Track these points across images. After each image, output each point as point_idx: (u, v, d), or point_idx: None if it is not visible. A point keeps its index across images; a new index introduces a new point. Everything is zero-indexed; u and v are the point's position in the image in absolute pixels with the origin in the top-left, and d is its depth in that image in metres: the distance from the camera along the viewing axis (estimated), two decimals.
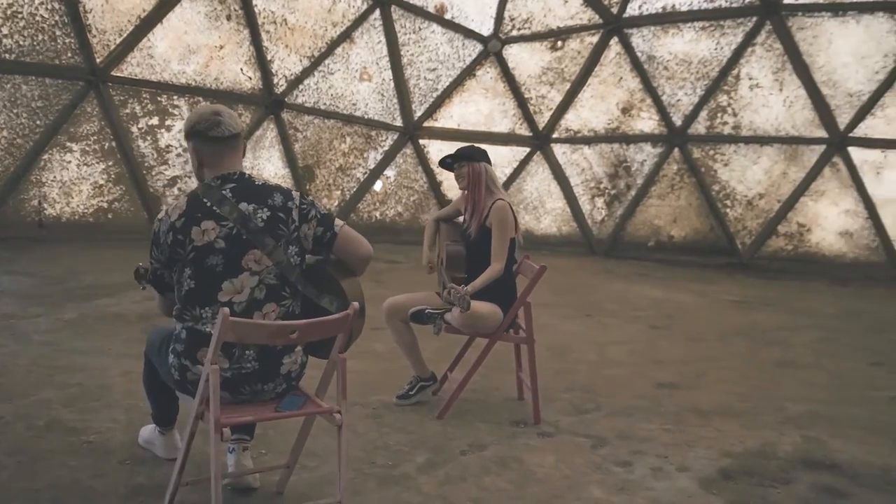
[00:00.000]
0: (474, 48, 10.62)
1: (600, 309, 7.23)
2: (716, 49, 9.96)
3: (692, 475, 3.44)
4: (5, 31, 8.31)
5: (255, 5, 9.42)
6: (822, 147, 9.71)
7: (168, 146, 9.45)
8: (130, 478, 3.17)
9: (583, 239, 11.03)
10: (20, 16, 8.37)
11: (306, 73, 9.95)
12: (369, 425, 3.88)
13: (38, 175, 8.82)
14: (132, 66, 9.05)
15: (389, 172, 10.92)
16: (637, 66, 10.31)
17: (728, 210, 10.37)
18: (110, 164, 9.17)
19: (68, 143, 8.90)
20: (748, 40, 9.73)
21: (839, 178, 9.76)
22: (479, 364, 4.10)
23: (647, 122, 10.60)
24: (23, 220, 8.82)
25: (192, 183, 9.55)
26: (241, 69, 9.63)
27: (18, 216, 8.80)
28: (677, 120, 10.33)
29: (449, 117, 10.89)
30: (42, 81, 8.66)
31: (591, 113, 10.80)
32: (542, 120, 10.92)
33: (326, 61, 10.04)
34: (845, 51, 9.35)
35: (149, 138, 9.36)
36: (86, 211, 9.17)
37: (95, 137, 9.03)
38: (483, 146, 4.52)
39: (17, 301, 6.06)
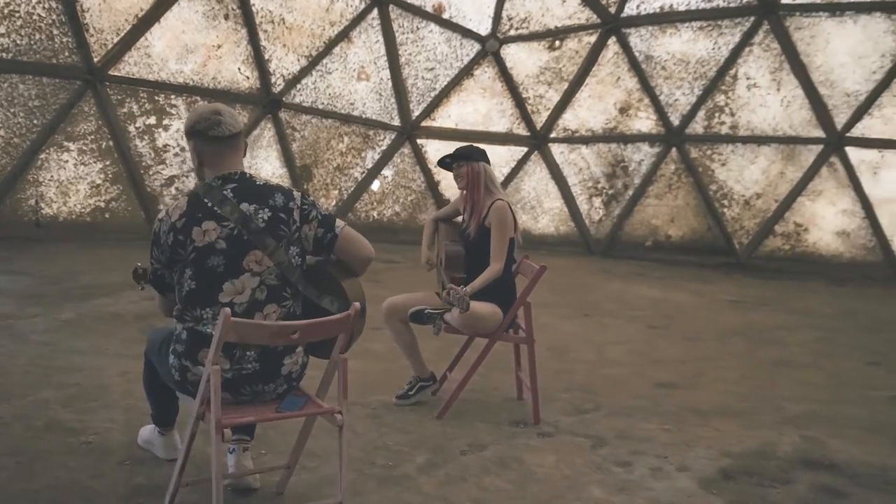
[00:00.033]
0: (472, 48, 10.61)
1: (598, 309, 7.23)
2: (713, 49, 9.96)
3: (692, 475, 3.45)
4: (2, 29, 8.29)
5: (253, 4, 9.39)
6: (820, 147, 9.72)
7: (165, 145, 9.43)
8: (130, 478, 3.16)
9: (580, 239, 11.03)
10: (17, 15, 8.35)
11: (304, 72, 9.94)
12: (369, 425, 3.87)
13: (35, 174, 8.80)
14: (129, 66, 9.03)
15: (387, 172, 10.91)
16: (635, 65, 10.31)
17: (725, 210, 10.38)
18: (107, 163, 9.15)
19: (65, 143, 8.87)
20: (746, 40, 9.73)
21: (836, 178, 9.77)
22: (478, 364, 4.10)
23: (644, 121, 10.60)
24: (20, 220, 8.79)
25: (190, 182, 9.54)
26: (239, 68, 9.61)
27: (15, 216, 8.78)
28: (675, 120, 10.33)
29: (447, 117, 10.87)
30: (39, 80, 8.63)
31: (588, 113, 10.79)
32: (540, 119, 10.91)
33: (324, 61, 10.02)
34: (843, 51, 9.36)
35: (146, 138, 9.34)
36: (83, 210, 9.15)
37: (93, 137, 9.00)
38: (481, 146, 4.51)
39: (14, 301, 6.05)
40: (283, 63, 9.83)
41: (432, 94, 10.69)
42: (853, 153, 9.59)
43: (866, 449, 3.83)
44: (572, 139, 10.96)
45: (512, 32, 10.61)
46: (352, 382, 2.81)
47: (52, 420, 3.70)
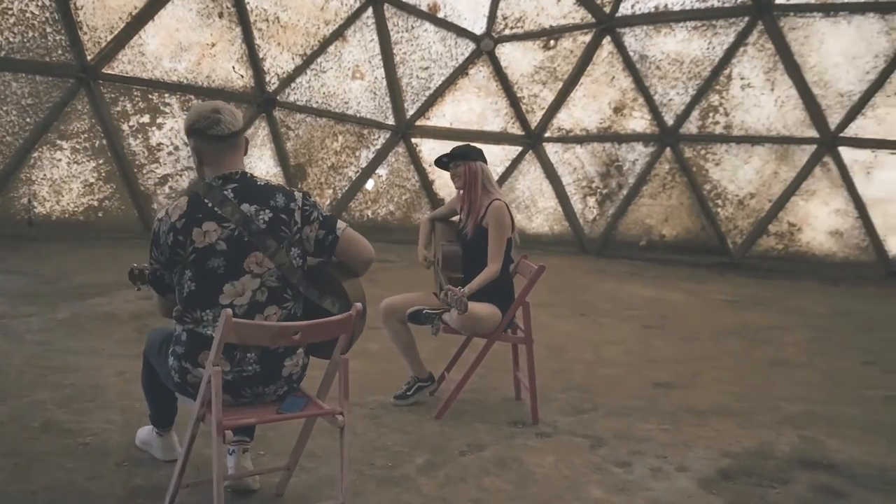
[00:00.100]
0: (467, 47, 10.60)
1: (594, 308, 7.24)
2: (708, 49, 9.98)
3: (691, 475, 3.45)
4: None
5: (248, 3, 9.37)
6: (813, 147, 9.76)
7: (159, 144, 9.40)
8: (128, 480, 3.14)
9: (574, 238, 11.04)
10: (10, 12, 8.30)
11: (298, 71, 9.92)
12: (367, 426, 3.86)
13: (27, 173, 8.76)
14: (123, 64, 9.00)
15: (381, 171, 10.89)
16: (629, 65, 10.33)
17: (719, 209, 10.41)
18: (101, 162, 9.12)
19: (58, 141, 8.83)
20: (740, 40, 9.76)
21: (830, 178, 9.81)
22: (477, 364, 4.09)
23: (639, 121, 10.62)
24: (12, 219, 8.76)
25: (184, 181, 9.52)
26: (233, 67, 9.59)
27: (8, 214, 8.74)
28: (669, 119, 10.35)
29: (441, 116, 10.87)
30: (32, 79, 8.60)
31: (583, 112, 10.80)
32: (535, 119, 10.92)
33: (319, 59, 10.01)
34: (836, 51, 9.40)
35: (140, 136, 9.31)
36: (76, 209, 9.11)
37: (86, 135, 8.97)
38: (476, 145, 4.50)
39: (8, 300, 6.01)
40: (278, 62, 9.81)
41: (427, 94, 10.68)
42: (846, 153, 9.63)
43: (864, 449, 3.84)
44: (567, 138, 10.96)
45: (507, 32, 10.61)
46: (350, 383, 2.79)
47: (48, 421, 3.67)
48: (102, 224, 9.17)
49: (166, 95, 9.35)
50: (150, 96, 9.27)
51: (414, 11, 10.25)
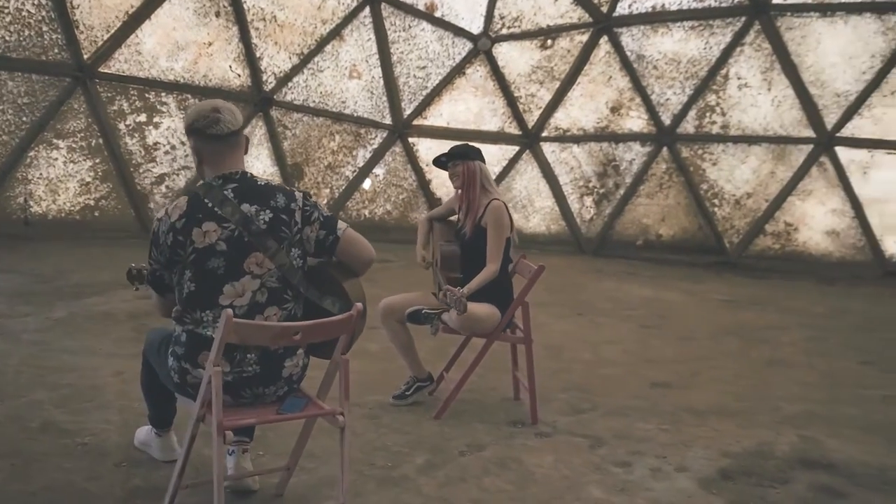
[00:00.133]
0: (464, 46, 10.60)
1: (592, 308, 7.24)
2: (705, 48, 9.99)
3: (691, 475, 3.45)
4: None
5: (244, 2, 9.36)
6: (810, 147, 9.77)
7: (156, 143, 9.38)
8: (127, 480, 3.13)
9: (571, 238, 11.05)
10: (6, 11, 8.28)
11: (295, 70, 9.90)
12: (367, 426, 3.85)
13: (24, 172, 8.74)
14: (120, 63, 8.98)
15: (378, 171, 10.89)
16: (626, 65, 10.33)
17: (716, 209, 10.42)
18: (97, 161, 9.09)
19: (55, 140, 8.81)
20: (737, 40, 9.77)
21: (826, 178, 9.82)
22: (476, 364, 4.09)
23: (636, 121, 10.62)
24: (8, 218, 8.73)
25: (181, 180, 9.50)
26: (230, 66, 9.57)
27: (4, 213, 8.71)
28: (666, 119, 10.36)
29: (438, 115, 10.86)
30: (28, 77, 8.57)
31: (580, 112, 10.81)
32: (532, 118, 10.92)
33: (316, 59, 9.99)
34: (833, 51, 9.41)
35: (136, 135, 9.29)
36: (72, 208, 9.08)
37: (82, 134, 8.94)
38: (473, 144, 4.48)
39: (4, 300, 5.99)
40: (275, 61, 9.79)
41: (424, 93, 10.68)
42: (843, 153, 9.64)
43: (863, 448, 3.85)
44: (564, 138, 10.97)
45: (504, 31, 10.60)
46: (350, 383, 2.78)
47: (46, 421, 3.66)
48: (99, 223, 9.15)
49: (163, 94, 9.33)
50: (146, 95, 9.25)
51: (411, 11, 10.24)
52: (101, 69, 8.85)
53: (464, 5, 10.38)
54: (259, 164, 9.96)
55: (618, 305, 7.44)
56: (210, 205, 2.70)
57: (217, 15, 9.30)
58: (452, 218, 4.55)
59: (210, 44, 9.39)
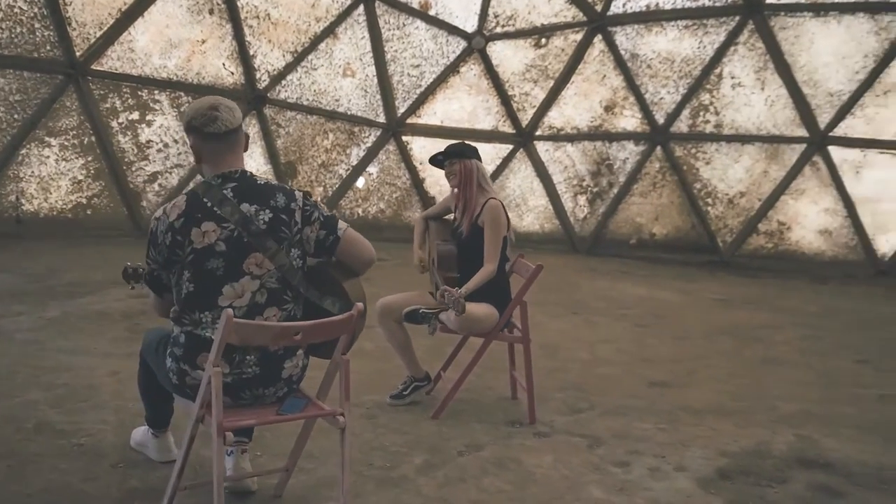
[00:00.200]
0: (458, 45, 10.57)
1: (586, 307, 7.24)
2: (699, 48, 10.00)
3: (690, 475, 3.45)
4: None
5: None
6: (803, 146, 9.80)
7: (149, 141, 9.32)
8: (124, 481, 3.11)
9: (565, 236, 11.04)
10: None
11: (289, 68, 9.85)
12: (365, 426, 3.84)
13: (15, 170, 8.67)
14: (112, 60, 8.91)
15: (372, 169, 10.85)
16: (620, 64, 10.33)
17: (709, 208, 10.44)
18: (89, 159, 9.03)
19: (47, 138, 8.74)
20: (731, 39, 9.78)
21: (819, 177, 9.86)
22: (474, 364, 4.08)
23: (629, 120, 10.63)
24: (0, 216, 8.66)
25: (173, 178, 9.46)
26: (224, 64, 9.52)
27: None
28: (660, 118, 10.37)
29: (432, 114, 10.83)
30: (20, 75, 8.50)
31: (574, 111, 10.80)
32: (526, 117, 10.90)
33: (309, 57, 9.95)
34: (826, 51, 9.44)
35: (129, 133, 9.22)
36: (64, 207, 9.02)
37: (74, 132, 8.88)
38: (470, 143, 4.47)
39: None
40: (268, 59, 9.75)
41: (418, 91, 10.64)
42: (836, 152, 9.68)
43: (860, 448, 3.86)
44: (558, 137, 10.96)
45: (498, 30, 10.58)
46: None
47: (41, 421, 3.63)
48: (91, 222, 9.09)
49: (156, 92, 9.27)
50: (139, 93, 9.19)
51: (405, 9, 10.21)
52: (93, 66, 8.79)
53: (458, 4, 10.34)
54: (252, 162, 9.91)
55: (612, 304, 7.44)
56: (209, 204, 2.67)
57: (210, 12, 9.25)
58: (448, 217, 4.54)
59: (203, 41, 9.34)
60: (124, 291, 5.78)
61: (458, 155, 4.28)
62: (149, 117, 9.28)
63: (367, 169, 10.78)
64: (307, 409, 2.78)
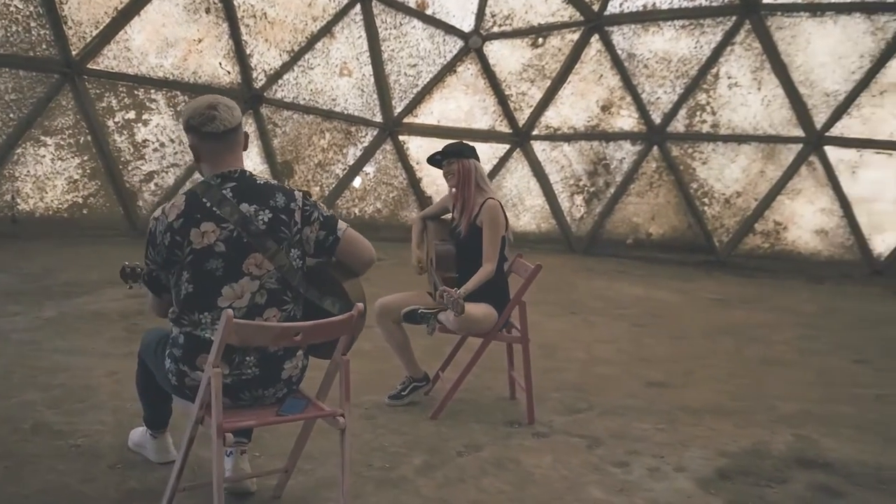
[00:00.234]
0: (455, 44, 10.56)
1: (584, 307, 7.24)
2: (695, 48, 10.00)
3: (689, 475, 3.45)
4: None
5: None
6: (799, 146, 9.81)
7: (145, 140, 9.29)
8: (122, 482, 3.10)
9: (562, 236, 11.04)
10: None
11: (286, 67, 9.83)
12: (363, 426, 3.83)
13: (11, 169, 8.64)
14: (109, 59, 8.88)
15: (369, 169, 10.83)
16: (617, 63, 10.33)
17: (706, 208, 10.44)
18: (85, 158, 9.00)
19: (42, 137, 8.71)
20: (727, 39, 9.79)
21: (815, 177, 9.87)
22: (472, 364, 4.07)
23: (626, 119, 10.63)
24: None
25: (170, 178, 9.43)
26: (220, 63, 9.50)
27: None
28: (657, 118, 10.37)
29: (429, 113, 10.81)
30: (16, 74, 8.47)
31: (571, 110, 10.79)
32: (523, 117, 10.90)
33: (306, 56, 9.93)
34: (823, 51, 9.44)
35: (125, 132, 9.20)
36: (60, 206, 8.99)
37: (70, 131, 8.85)
38: (468, 143, 4.46)
39: None
40: (265, 58, 9.72)
41: (415, 91, 10.63)
42: (832, 152, 9.68)
43: (859, 447, 3.86)
44: (554, 137, 10.96)
45: (495, 29, 10.57)
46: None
47: (39, 422, 3.62)
48: (87, 221, 9.06)
49: (152, 91, 9.24)
50: (135, 92, 9.16)
51: (402, 8, 10.19)
52: (89, 66, 8.76)
53: (455, 3, 10.33)
54: (249, 162, 9.89)
55: (609, 304, 7.44)
56: (208, 204, 2.66)
57: (207, 11, 9.22)
58: (446, 217, 4.53)
59: (200, 40, 9.32)
60: (121, 291, 5.76)
61: (456, 155, 4.27)
62: (145, 116, 9.25)
63: (364, 168, 10.76)
64: (307, 409, 2.76)
